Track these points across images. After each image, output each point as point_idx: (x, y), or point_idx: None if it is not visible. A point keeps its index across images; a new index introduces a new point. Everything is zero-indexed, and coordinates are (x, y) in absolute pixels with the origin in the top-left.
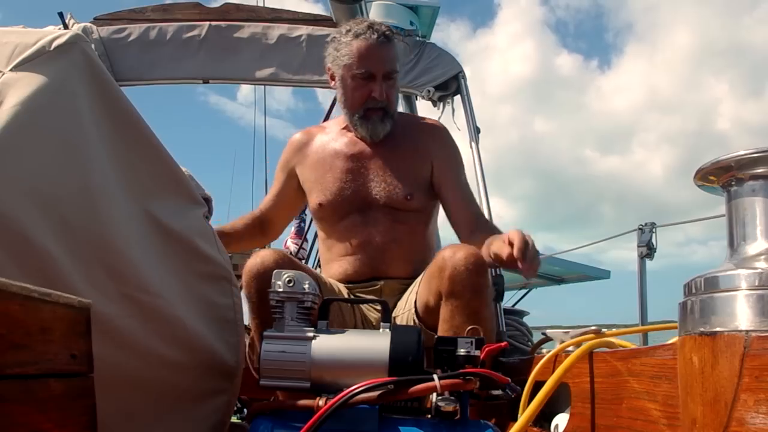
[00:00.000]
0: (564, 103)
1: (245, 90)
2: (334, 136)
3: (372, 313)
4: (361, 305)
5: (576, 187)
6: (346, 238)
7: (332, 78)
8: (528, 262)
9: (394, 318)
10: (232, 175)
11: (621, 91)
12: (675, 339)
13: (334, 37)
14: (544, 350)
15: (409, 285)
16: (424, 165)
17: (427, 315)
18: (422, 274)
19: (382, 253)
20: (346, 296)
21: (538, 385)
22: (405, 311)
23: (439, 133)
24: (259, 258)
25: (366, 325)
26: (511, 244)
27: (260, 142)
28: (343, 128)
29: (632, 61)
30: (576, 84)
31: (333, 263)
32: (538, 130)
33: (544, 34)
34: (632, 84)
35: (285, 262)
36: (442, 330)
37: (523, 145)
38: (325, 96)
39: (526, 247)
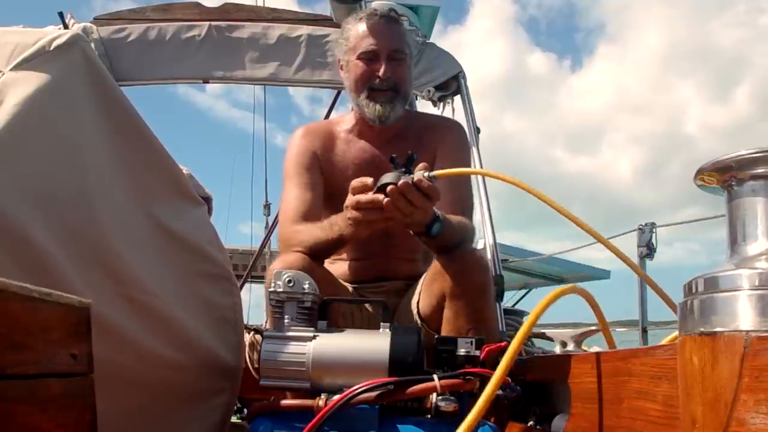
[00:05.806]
0: (536, 102)
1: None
2: (348, 138)
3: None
4: (366, 306)
5: (546, 187)
6: (358, 244)
7: (342, 68)
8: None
9: (397, 319)
10: (232, 176)
11: (592, 91)
12: (668, 338)
13: (344, 28)
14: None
15: (411, 284)
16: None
17: (430, 318)
18: (423, 277)
19: (391, 256)
20: (354, 296)
21: (536, 386)
22: (407, 312)
23: (448, 130)
24: (287, 263)
25: (373, 325)
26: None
27: (225, 134)
28: (352, 129)
29: (603, 61)
30: (548, 83)
31: (340, 263)
32: (507, 129)
33: (516, 32)
34: (603, 84)
35: (311, 266)
36: (446, 332)
37: (492, 144)
38: (296, 91)
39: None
